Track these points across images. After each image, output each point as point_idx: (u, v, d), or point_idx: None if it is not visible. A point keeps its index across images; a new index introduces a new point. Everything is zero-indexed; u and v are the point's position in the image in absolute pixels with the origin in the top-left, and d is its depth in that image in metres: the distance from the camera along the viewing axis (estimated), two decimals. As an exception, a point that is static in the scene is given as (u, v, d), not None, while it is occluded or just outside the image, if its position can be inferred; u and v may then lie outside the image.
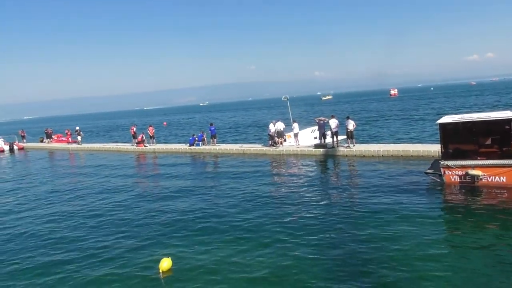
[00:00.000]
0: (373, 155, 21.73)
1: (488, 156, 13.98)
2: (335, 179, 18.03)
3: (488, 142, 14.43)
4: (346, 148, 23.26)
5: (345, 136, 23.91)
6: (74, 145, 42.20)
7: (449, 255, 9.07)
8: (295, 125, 26.37)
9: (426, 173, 15.36)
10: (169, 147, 33.46)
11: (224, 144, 31.53)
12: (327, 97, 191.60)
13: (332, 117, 24.24)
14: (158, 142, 37.67)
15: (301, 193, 15.32)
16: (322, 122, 24.66)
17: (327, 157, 23.02)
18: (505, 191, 13.24)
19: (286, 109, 30.17)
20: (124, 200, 16.71)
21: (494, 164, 13.67)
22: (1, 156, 42.47)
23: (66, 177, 24.20)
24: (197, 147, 30.51)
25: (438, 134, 15.28)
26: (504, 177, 13.54)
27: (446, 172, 14.40)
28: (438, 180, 14.72)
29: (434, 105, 65.65)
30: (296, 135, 26.20)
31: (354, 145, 23.37)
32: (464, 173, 14.07)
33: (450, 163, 14.26)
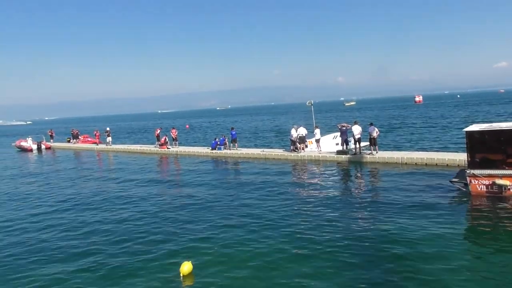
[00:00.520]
0: (396, 163, 21.40)
1: (517, 166, 13.59)
2: (358, 186, 17.85)
3: (517, 151, 14.05)
4: (369, 155, 23.00)
5: (368, 143, 23.68)
6: (99, 146, 43.23)
7: (475, 266, 8.86)
8: (317, 131, 26.27)
9: (451, 182, 15.03)
10: (191, 150, 33.81)
11: (245, 149, 31.64)
12: (350, 103, 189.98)
13: (355, 123, 24.02)
14: (180, 144, 38.11)
15: (323, 200, 15.25)
16: (344, 128, 24.46)
17: (350, 164, 22.81)
18: (534, 202, 12.84)
19: (308, 114, 30.07)
20: (145, 201, 17.03)
21: (523, 175, 13.28)
22: (30, 154, 43.97)
23: (91, 177, 24.80)
24: (218, 151, 30.75)
25: (465, 143, 14.95)
26: (534, 188, 13.13)
27: (472, 181, 14.07)
28: (464, 189, 14.40)
29: (460, 113, 64.23)
30: (318, 141, 26.08)
31: (377, 152, 23.10)
32: (491, 183, 13.71)
33: (477, 172, 13.93)
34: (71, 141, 50.14)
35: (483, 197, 13.79)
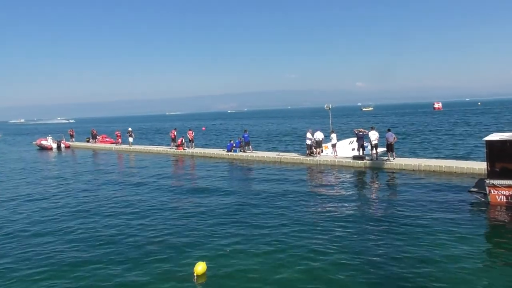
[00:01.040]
0: (413, 170, 21.13)
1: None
2: (374, 193, 17.67)
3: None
4: (385, 161, 22.77)
5: (385, 149, 23.44)
6: (118, 146, 43.91)
7: (494, 280, 8.68)
8: (333, 136, 26.13)
9: (470, 191, 14.77)
10: (207, 151, 34.03)
11: (261, 152, 31.67)
12: (368, 108, 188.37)
13: (372, 129, 23.82)
14: (196, 146, 38.37)
15: (338, 205, 15.18)
16: (361, 133, 24.27)
17: (366, 169, 22.61)
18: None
19: (325, 119, 29.94)
20: (159, 201, 17.21)
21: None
22: (50, 153, 44.95)
23: (109, 178, 25.18)
24: (234, 153, 30.86)
25: (484, 152, 14.67)
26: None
27: (492, 191, 13.79)
28: (483, 199, 14.12)
29: (480, 121, 62.98)
30: (334, 145, 25.94)
31: (394, 158, 22.85)
32: (511, 193, 13.41)
33: (497, 182, 13.65)
34: (90, 140, 51.04)
35: (502, 208, 13.49)
